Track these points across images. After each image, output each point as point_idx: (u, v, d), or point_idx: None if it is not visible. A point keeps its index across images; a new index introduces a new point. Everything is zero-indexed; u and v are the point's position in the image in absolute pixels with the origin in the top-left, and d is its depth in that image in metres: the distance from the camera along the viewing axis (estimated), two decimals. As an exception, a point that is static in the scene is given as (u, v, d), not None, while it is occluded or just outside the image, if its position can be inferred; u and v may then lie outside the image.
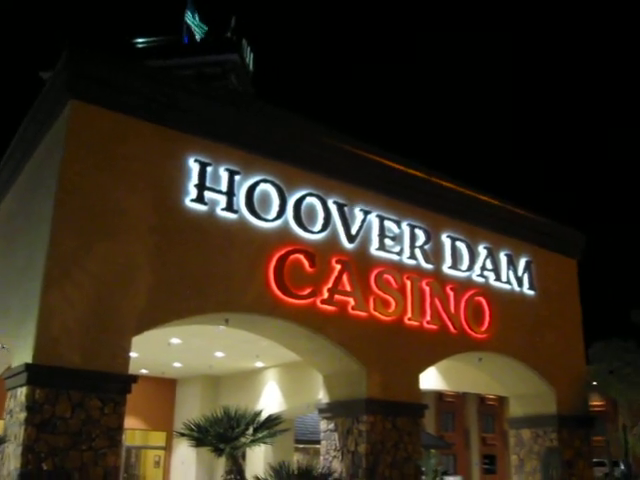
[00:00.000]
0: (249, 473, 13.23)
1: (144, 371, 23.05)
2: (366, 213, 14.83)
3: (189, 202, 12.29)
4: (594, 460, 19.71)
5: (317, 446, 15.40)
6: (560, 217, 19.78)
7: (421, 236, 15.78)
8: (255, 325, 13.86)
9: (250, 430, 10.91)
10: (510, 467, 19.60)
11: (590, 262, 22.41)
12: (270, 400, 21.99)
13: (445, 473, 32.44)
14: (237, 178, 13.00)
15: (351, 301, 14.02)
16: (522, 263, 18.13)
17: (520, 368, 17.72)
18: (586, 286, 20.57)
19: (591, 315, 22.41)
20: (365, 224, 14.77)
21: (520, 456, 18.73)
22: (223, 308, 12.54)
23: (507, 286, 17.59)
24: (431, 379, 19.03)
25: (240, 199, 12.96)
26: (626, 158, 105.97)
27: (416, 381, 15.03)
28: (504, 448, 52.14)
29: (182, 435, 11.00)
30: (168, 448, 26.14)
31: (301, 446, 28.53)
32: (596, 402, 50.40)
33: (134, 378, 11.02)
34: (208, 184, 12.58)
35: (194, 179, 12.43)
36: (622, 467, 15.57)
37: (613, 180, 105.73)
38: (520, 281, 17.95)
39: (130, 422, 23.35)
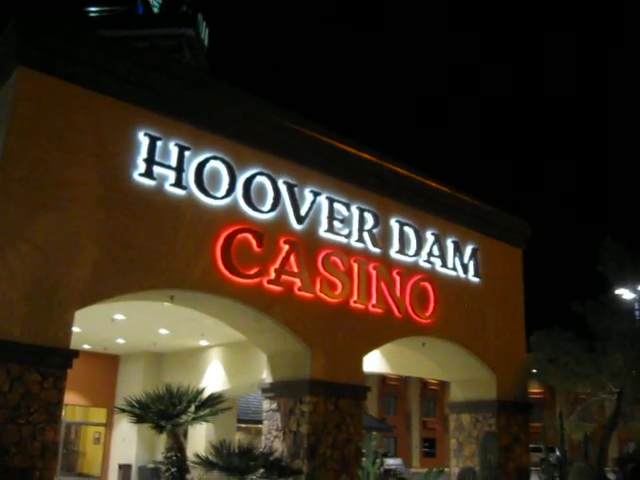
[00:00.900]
0: (190, 451, 13.16)
1: (86, 346, 22.75)
2: (316, 194, 14.81)
3: (137, 176, 12.09)
4: (531, 446, 20.14)
5: (260, 426, 15.41)
6: (508, 207, 20.10)
7: (370, 220, 15.83)
8: (200, 303, 13.76)
9: (192, 408, 10.86)
10: (449, 451, 19.92)
11: (535, 252, 22.82)
12: (213, 379, 21.90)
13: (385, 455, 32.78)
14: (187, 154, 12.83)
15: (298, 282, 14.02)
16: (468, 250, 18.35)
17: (462, 354, 17.99)
18: (530, 275, 20.94)
19: (534, 304, 22.84)
20: (314, 205, 14.75)
21: (459, 440, 19.06)
22: (169, 285, 12.40)
23: (453, 273, 17.79)
24: (375, 362, 19.18)
25: (189, 175, 12.80)
26: (575, 152, 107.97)
27: (360, 364, 15.13)
28: (444, 432, 53.04)
29: (123, 411, 10.90)
30: (109, 425, 25.87)
31: (244, 426, 28.54)
32: (535, 389, 51.59)
33: (75, 353, 10.86)
34: (157, 159, 12.38)
35: (143, 153, 12.23)
36: (557, 453, 15.94)
37: (561, 174, 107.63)
38: (466, 268, 18.17)
39: (70, 398, 23.02)
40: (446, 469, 19.59)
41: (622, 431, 36.66)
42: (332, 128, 15.53)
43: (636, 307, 25.70)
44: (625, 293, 25.87)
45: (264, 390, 14.95)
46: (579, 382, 24.41)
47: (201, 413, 10.92)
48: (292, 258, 13.96)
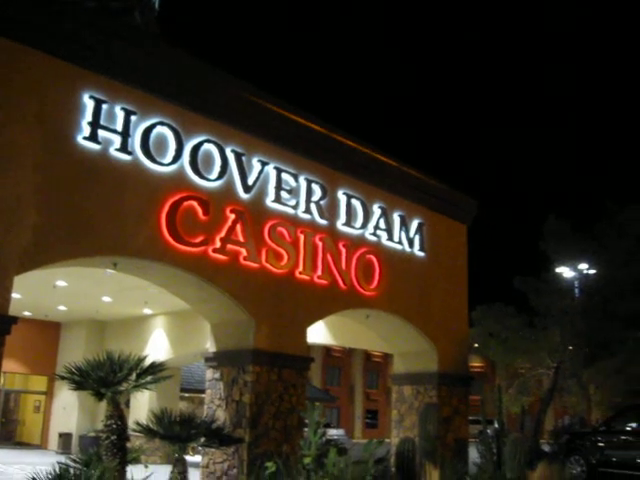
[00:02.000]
0: (133, 420, 13.08)
1: (27, 313, 22.42)
2: (264, 164, 14.71)
3: (81, 140, 11.77)
4: (470, 418, 20.57)
5: (203, 395, 15.40)
6: (455, 184, 20.27)
7: (317, 191, 15.82)
8: (144, 271, 13.60)
9: (133, 376, 10.71)
10: (391, 422, 20.23)
11: (480, 229, 23.14)
12: (157, 347, 21.84)
13: (328, 425, 33.15)
14: (133, 118, 12.56)
15: (243, 252, 13.95)
16: (414, 225, 18.49)
17: (405, 327, 18.20)
18: (474, 252, 21.24)
19: (477, 280, 23.22)
20: (262, 175, 14.65)
21: (400, 411, 19.36)
22: (112, 251, 12.19)
23: (398, 246, 17.92)
24: (319, 333, 19.32)
25: (135, 140, 12.53)
26: (523, 132, 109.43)
27: (304, 334, 15.19)
28: (386, 404, 53.89)
29: (62, 378, 10.70)
30: (49, 393, 25.63)
31: (187, 395, 28.54)
32: (476, 363, 52.87)
33: (14, 319, 10.62)
34: (102, 122, 12.06)
35: (88, 116, 11.89)
36: (496, 425, 16.29)
37: (508, 152, 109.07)
38: (411, 242, 18.32)
39: (9, 365, 22.74)
40: (387, 440, 19.89)
41: (558, 405, 37.84)
42: (282, 98, 15.42)
43: (576, 285, 26.43)
44: (566, 271, 26.57)
45: (207, 359, 14.92)
46: (518, 356, 25.12)
47: (142, 381, 10.77)
48: (238, 227, 13.87)
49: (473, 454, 17.02)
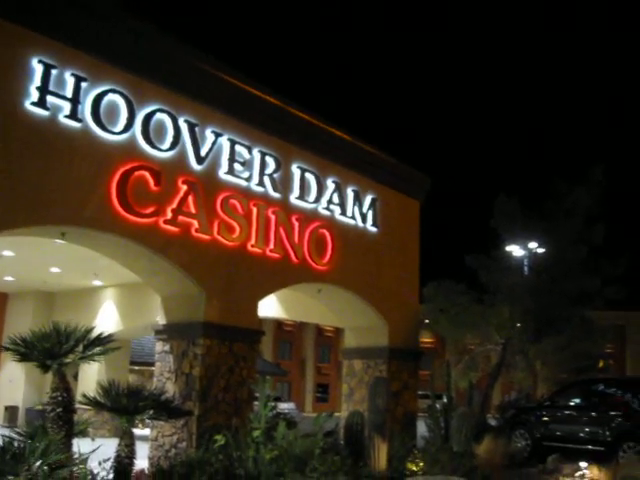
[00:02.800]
0: (81, 392, 12.95)
1: (-29, 283, 21.92)
2: (217, 135, 14.50)
3: (29, 105, 11.40)
4: (420, 392, 20.84)
5: (153, 368, 15.28)
6: (408, 160, 20.31)
7: (271, 164, 15.68)
8: (94, 241, 13.35)
9: (80, 347, 10.54)
10: (341, 396, 20.38)
11: (433, 205, 23.31)
12: (107, 320, 21.60)
13: (278, 399, 33.31)
14: (84, 85, 12.21)
15: (195, 223, 13.78)
16: (368, 200, 18.50)
17: (357, 301, 18.27)
18: (427, 228, 21.41)
19: (429, 257, 23.44)
20: (215, 146, 14.45)
21: (351, 385, 19.52)
22: (59, 221, 11.91)
23: (351, 221, 17.92)
24: (271, 307, 19.31)
25: (86, 107, 12.19)
26: (475, 110, 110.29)
27: (255, 307, 15.13)
28: (337, 378, 54.26)
29: (7, 349, 10.50)
30: (-5, 365, 25.17)
31: (137, 368, 28.41)
32: (426, 339, 53.47)
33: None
34: (51, 88, 11.70)
35: (36, 81, 11.53)
36: (444, 400, 16.58)
37: (461, 130, 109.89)
38: (364, 217, 18.34)
39: (-47, 336, 22.26)
40: (337, 414, 20.05)
41: (505, 380, 38.55)
42: (238, 69, 15.19)
43: (525, 263, 26.83)
44: (516, 250, 26.95)
45: (157, 332, 14.79)
46: (467, 332, 25.46)
47: (89, 353, 10.62)
48: (190, 199, 13.69)
49: (422, 428, 17.28)
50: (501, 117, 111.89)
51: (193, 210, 13.75)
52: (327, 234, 16.94)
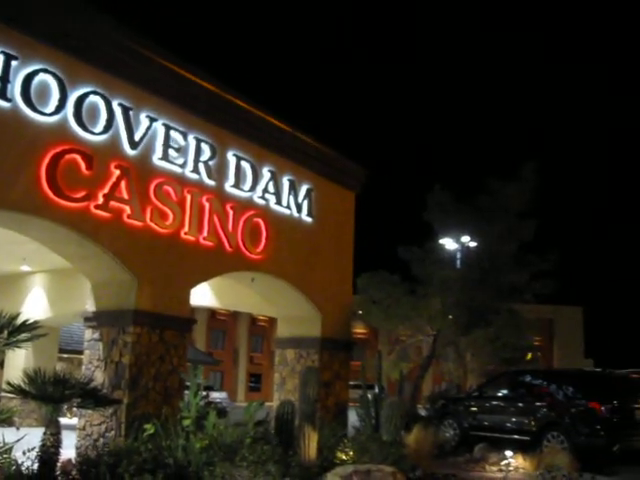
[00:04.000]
0: (6, 380, 12.63)
1: None
2: (152, 120, 14.24)
3: (-45, 83, 11.08)
4: (351, 383, 20.99)
5: (82, 356, 14.99)
6: (345, 151, 20.35)
7: (207, 151, 15.51)
8: (22, 225, 13.00)
9: (4, 334, 10.27)
10: (274, 385, 20.38)
11: (368, 197, 23.44)
12: (35, 306, 21.05)
13: (210, 388, 33.13)
14: (14, 64, 11.81)
15: (127, 209, 13.53)
16: (303, 190, 18.49)
17: (290, 291, 18.28)
18: (362, 220, 21.52)
19: (364, 248, 23.58)
20: (150, 131, 14.19)
21: (283, 375, 19.54)
22: (-15, 203, 11.59)
23: (287, 211, 17.89)
24: (204, 296, 19.14)
25: (15, 87, 11.82)
26: (411, 103, 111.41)
27: (187, 296, 14.98)
28: (270, 367, 54.23)
29: None
30: None
31: (66, 356, 27.84)
32: (360, 330, 53.88)
33: None
34: (-21, 67, 11.37)
35: (-38, 59, 11.19)
36: (376, 390, 16.72)
37: (397, 123, 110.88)
38: (299, 207, 18.33)
39: None
40: (269, 403, 20.04)
41: (436, 371, 39.18)
42: (177, 54, 14.93)
43: (457, 257, 27.25)
44: (448, 243, 27.34)
45: (86, 319, 14.51)
46: (399, 323, 25.70)
47: (14, 339, 10.35)
48: (123, 184, 13.42)
49: (353, 418, 17.40)
50: (438, 112, 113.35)
51: (125, 196, 13.49)
52: (262, 223, 16.87)
